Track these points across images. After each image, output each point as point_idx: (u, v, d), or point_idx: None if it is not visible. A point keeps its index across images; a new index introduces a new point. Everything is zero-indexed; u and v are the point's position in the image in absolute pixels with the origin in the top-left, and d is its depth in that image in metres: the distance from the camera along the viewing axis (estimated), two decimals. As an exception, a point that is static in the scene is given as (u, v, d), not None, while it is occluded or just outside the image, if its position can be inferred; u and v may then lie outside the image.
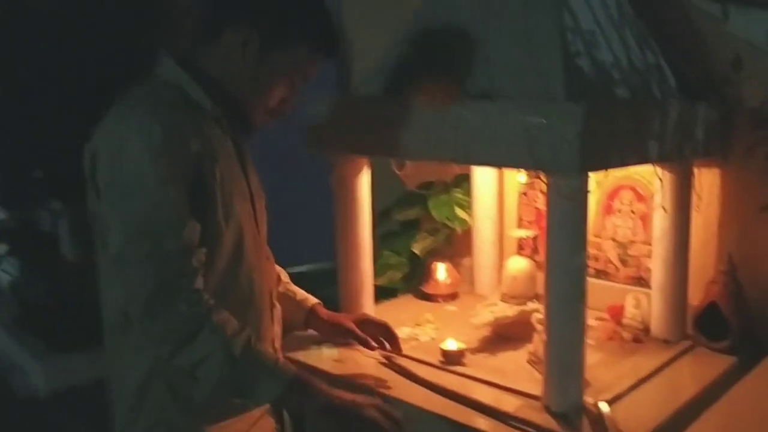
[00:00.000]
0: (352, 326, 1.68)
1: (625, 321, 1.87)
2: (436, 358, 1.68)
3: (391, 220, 2.46)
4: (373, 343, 1.69)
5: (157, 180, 1.17)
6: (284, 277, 1.68)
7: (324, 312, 1.70)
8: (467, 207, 2.21)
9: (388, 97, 1.61)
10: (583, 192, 1.36)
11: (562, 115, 1.30)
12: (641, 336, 1.80)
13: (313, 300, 1.70)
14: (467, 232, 2.20)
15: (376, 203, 2.74)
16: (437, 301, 2.14)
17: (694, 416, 1.40)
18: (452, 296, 2.16)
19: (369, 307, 1.82)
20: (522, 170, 1.76)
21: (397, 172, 1.91)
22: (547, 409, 1.43)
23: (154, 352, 1.25)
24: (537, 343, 1.64)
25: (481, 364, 1.67)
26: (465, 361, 1.67)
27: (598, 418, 1.40)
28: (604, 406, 1.43)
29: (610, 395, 1.49)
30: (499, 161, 1.38)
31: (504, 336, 1.81)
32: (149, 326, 1.21)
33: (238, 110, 1.35)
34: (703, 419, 1.40)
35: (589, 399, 1.46)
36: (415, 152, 1.57)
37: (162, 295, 1.19)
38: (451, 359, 1.66)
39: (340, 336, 1.71)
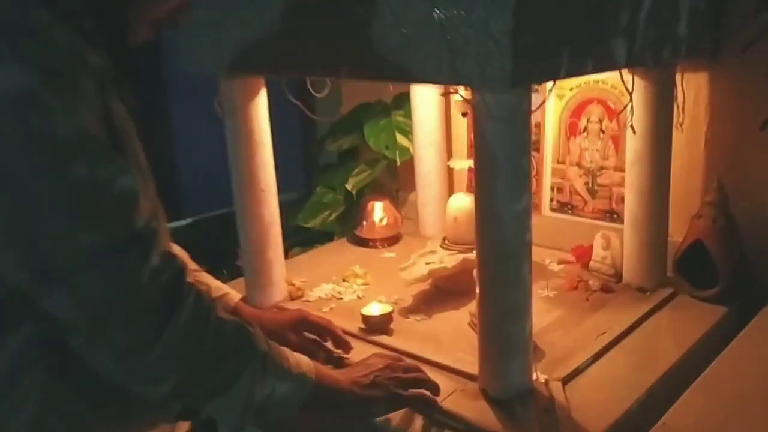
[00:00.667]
0: (288, 333, 1.27)
1: (592, 265, 1.54)
2: (355, 325, 1.35)
3: (326, 151, 2.11)
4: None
5: None
6: (190, 263, 1.28)
7: (249, 311, 1.31)
8: (409, 133, 1.85)
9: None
10: (522, 112, 1.01)
11: (488, 3, 0.92)
12: (611, 284, 1.48)
13: (234, 296, 1.31)
14: (410, 166, 1.84)
15: (317, 128, 2.41)
16: (374, 247, 1.80)
17: (678, 391, 1.09)
18: (392, 240, 1.82)
19: (277, 264, 1.48)
20: (443, 85, 1.38)
21: (316, 95, 1.54)
22: (484, 395, 1.12)
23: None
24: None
25: (411, 332, 1.34)
26: (392, 327, 1.35)
27: (549, 404, 1.09)
28: (556, 388, 1.12)
29: (567, 370, 1.17)
30: (406, 74, 1.02)
31: (445, 290, 1.48)
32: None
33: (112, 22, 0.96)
34: (689, 395, 1.08)
35: (540, 377, 1.14)
36: (314, 67, 1.20)
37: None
38: (373, 327, 1.34)
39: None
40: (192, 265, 1.27)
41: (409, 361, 1.16)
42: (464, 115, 1.52)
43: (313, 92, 1.49)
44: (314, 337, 1.27)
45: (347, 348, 1.25)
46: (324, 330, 1.26)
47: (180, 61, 1.35)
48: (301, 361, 1.00)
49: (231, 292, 1.30)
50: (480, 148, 1.02)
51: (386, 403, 1.05)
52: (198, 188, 3.65)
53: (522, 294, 1.07)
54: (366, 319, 1.34)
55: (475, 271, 1.29)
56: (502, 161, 1.01)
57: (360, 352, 1.27)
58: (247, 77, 1.36)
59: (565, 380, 1.15)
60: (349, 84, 2.14)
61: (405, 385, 1.06)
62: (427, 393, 1.08)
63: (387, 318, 1.34)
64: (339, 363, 1.22)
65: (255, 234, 1.43)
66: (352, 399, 1.02)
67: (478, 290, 1.09)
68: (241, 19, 1.23)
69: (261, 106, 1.38)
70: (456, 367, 1.19)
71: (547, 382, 1.13)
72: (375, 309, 1.35)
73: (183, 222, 4.17)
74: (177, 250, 1.21)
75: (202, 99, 1.45)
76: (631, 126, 1.33)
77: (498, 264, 1.05)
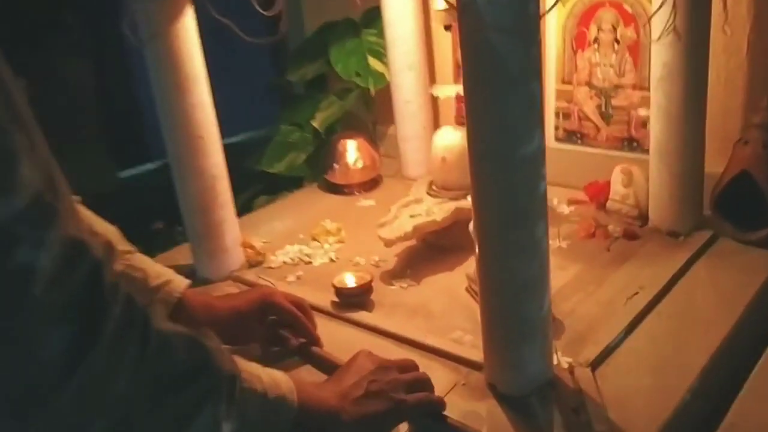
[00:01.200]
0: (250, 323, 1.00)
1: (611, 205, 1.28)
2: (326, 298, 1.10)
3: (289, 83, 1.81)
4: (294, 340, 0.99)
5: None
6: (122, 244, 0.96)
7: (198, 302, 0.99)
8: (384, 56, 1.55)
9: None
10: (529, 17, 0.72)
11: None
12: (636, 229, 1.22)
13: (178, 283, 0.98)
14: (387, 93, 1.55)
15: (282, 55, 2.09)
16: (350, 194, 1.53)
17: (738, 371, 0.85)
18: (370, 185, 1.54)
19: (228, 225, 1.20)
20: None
21: (263, 13, 1.24)
22: (493, 390, 0.87)
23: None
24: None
25: (395, 304, 1.09)
26: (372, 299, 1.09)
27: (577, 400, 0.84)
28: (585, 377, 0.87)
29: (595, 350, 0.92)
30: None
31: (435, 246, 1.22)
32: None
33: None
34: (757, 378, 0.85)
35: (561, 361, 0.90)
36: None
37: None
38: (348, 301, 1.08)
39: (234, 336, 0.98)
40: (123, 245, 0.96)
41: (397, 355, 0.90)
42: (447, 28, 1.22)
43: (258, 9, 1.19)
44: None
45: (318, 341, 0.99)
46: (292, 319, 0.99)
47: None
48: (278, 380, 0.73)
49: (175, 278, 0.99)
50: (471, 71, 0.74)
51: (390, 416, 0.80)
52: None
53: (538, 263, 0.81)
54: (339, 291, 1.08)
55: (471, 226, 1.03)
56: (504, 87, 0.73)
57: (334, 331, 1.02)
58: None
59: (595, 364, 0.90)
60: (312, 1, 1.83)
61: (405, 387, 0.81)
62: (433, 396, 0.83)
63: (365, 289, 1.08)
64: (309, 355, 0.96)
65: (196, 191, 1.15)
66: (346, 421, 0.76)
67: (477, 260, 0.83)
68: None
69: (189, 27, 1.08)
70: (454, 352, 0.94)
71: (571, 369, 0.89)
72: (350, 279, 1.09)
73: (150, 166, 3.89)
74: (102, 228, 0.93)
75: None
76: (674, 26, 1.04)
77: (504, 226, 0.78)
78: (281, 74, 1.89)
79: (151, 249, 1.90)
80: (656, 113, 1.14)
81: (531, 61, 0.74)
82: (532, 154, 0.75)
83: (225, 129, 1.18)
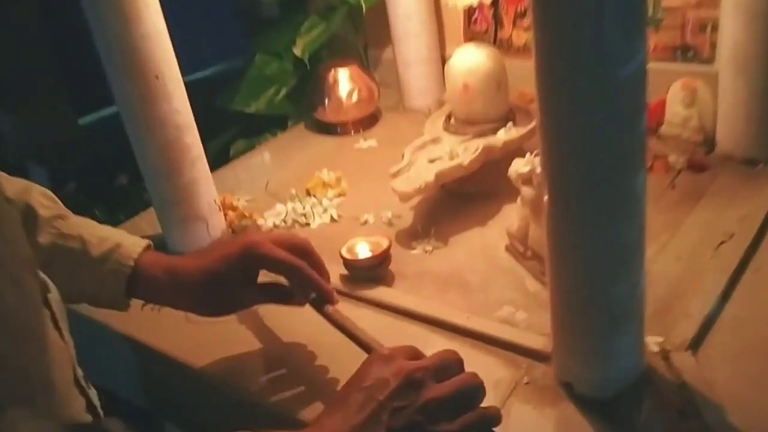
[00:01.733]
0: (232, 287, 0.74)
1: (667, 131, 1.06)
2: (334, 271, 0.87)
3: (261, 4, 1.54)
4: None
5: None
6: (50, 208, 0.74)
7: (161, 265, 0.75)
8: (373, -37, 1.29)
9: None
10: None
11: None
12: (703, 157, 1.00)
13: (131, 246, 0.75)
14: (382, 9, 1.28)
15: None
16: (345, 134, 1.29)
17: None
18: (368, 122, 1.30)
19: (202, 186, 0.96)
20: None
21: None
22: (567, 390, 0.66)
23: None
24: (523, 217, 0.83)
25: (420, 274, 0.87)
26: (391, 269, 0.87)
27: (684, 400, 0.64)
28: (687, 364, 0.66)
29: (692, 325, 0.71)
30: None
31: (459, 193, 1.00)
32: None
33: None
34: None
35: (651, 344, 0.69)
36: None
37: None
38: (362, 275, 0.86)
39: (214, 305, 0.75)
40: (52, 210, 0.74)
41: (427, 343, 0.68)
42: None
43: None
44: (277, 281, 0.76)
45: (331, 298, 0.73)
46: (290, 272, 0.73)
47: None
48: None
49: (125, 241, 0.75)
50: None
51: None
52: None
53: (637, 227, 0.58)
54: (350, 264, 0.86)
55: (511, 169, 0.81)
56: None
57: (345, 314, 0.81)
58: None
59: (694, 345, 0.69)
60: None
61: (447, 407, 0.56)
62: (489, 413, 0.58)
63: (381, 259, 0.86)
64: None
65: (157, 147, 0.91)
66: None
67: (548, 224, 0.60)
68: None
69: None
70: (507, 338, 0.73)
71: (666, 354, 0.68)
72: (362, 248, 0.86)
73: (110, 109, 3.59)
74: (19, 191, 0.71)
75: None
76: None
77: (594, 178, 0.55)
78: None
79: (114, 210, 1.66)
80: (732, 11, 0.91)
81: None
82: (633, 77, 0.52)
83: (186, 64, 0.93)
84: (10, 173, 0.72)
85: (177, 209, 0.94)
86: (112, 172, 1.89)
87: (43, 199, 0.74)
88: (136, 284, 0.74)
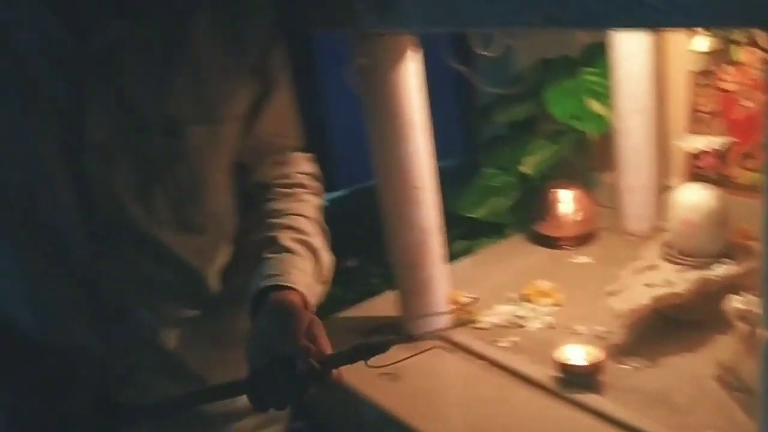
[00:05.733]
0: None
1: None
2: (546, 372, 0.98)
3: (494, 121, 1.71)
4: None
5: None
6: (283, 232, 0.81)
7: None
8: (606, 97, 1.41)
9: None
10: None
11: None
12: None
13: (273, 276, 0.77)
14: (608, 138, 1.41)
15: (477, 96, 1.99)
16: (562, 248, 1.40)
17: None
18: (585, 239, 1.40)
19: (438, 282, 1.12)
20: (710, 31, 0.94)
21: (485, 54, 1.17)
22: None
23: None
24: (736, 350, 0.89)
25: (629, 388, 0.95)
26: (602, 379, 0.96)
27: None
28: None
29: None
30: (658, 20, 0.61)
31: (673, 319, 1.06)
32: None
33: None
34: None
35: None
36: (493, 16, 0.80)
37: None
38: (575, 379, 0.95)
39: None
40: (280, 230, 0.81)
41: None
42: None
43: (479, 51, 1.11)
44: None
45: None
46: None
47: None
48: None
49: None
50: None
51: None
52: (353, 157, 3.36)
53: None
54: (564, 367, 0.96)
55: (726, 304, 0.88)
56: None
57: (555, 413, 0.90)
58: (394, 35, 0.99)
59: None
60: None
61: None
62: None
63: (596, 368, 0.95)
64: None
65: (408, 244, 1.08)
66: None
67: (761, 364, 0.67)
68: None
69: (412, 74, 1.02)
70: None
71: None
72: (578, 354, 0.96)
73: (337, 193, 3.93)
74: None
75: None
76: None
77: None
78: (467, 101, 1.81)
79: (347, 286, 1.87)
80: None
81: None
82: None
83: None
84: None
85: (416, 299, 1.10)
86: (338, 251, 2.11)
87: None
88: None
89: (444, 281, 1.13)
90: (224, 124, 0.78)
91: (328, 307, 1.61)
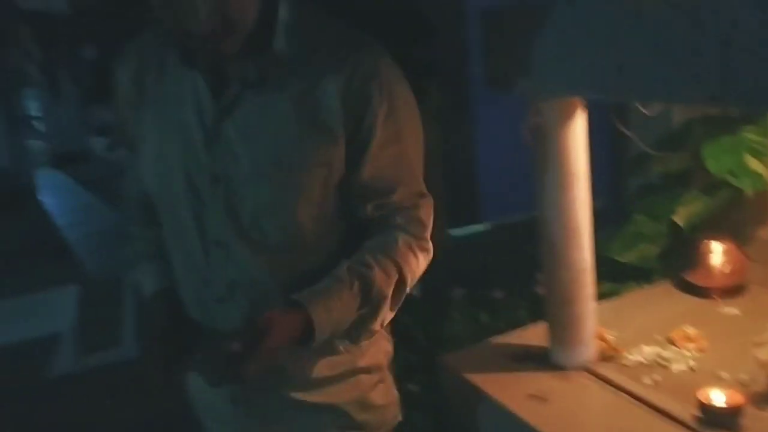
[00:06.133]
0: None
1: None
2: (688, 410, 1.05)
3: (648, 171, 1.79)
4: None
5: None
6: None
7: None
8: (765, 155, 1.46)
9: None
10: None
11: None
12: None
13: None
14: (763, 194, 1.46)
15: (632, 143, 2.06)
16: (709, 298, 1.45)
17: None
18: (734, 291, 1.45)
19: (587, 318, 1.22)
20: None
21: (645, 113, 1.27)
22: None
23: None
24: None
25: (768, 434, 1.01)
26: (742, 423, 1.03)
27: None
28: None
29: None
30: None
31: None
32: None
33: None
34: None
35: None
36: (657, 91, 0.92)
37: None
38: (715, 420, 1.03)
39: None
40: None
41: None
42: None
43: (643, 110, 1.21)
44: None
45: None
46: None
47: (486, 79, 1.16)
48: None
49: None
50: None
51: None
52: (499, 191, 3.46)
53: None
54: (706, 408, 1.03)
55: None
56: None
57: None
58: (567, 99, 1.12)
59: None
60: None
61: None
62: None
63: (736, 411, 1.02)
64: None
65: (563, 282, 1.20)
66: None
67: None
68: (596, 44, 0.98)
69: (579, 131, 1.14)
70: None
71: None
72: (719, 396, 1.04)
73: (481, 227, 4.02)
74: None
75: (504, 97, 1.23)
76: None
77: None
78: (620, 145, 1.88)
79: (495, 315, 1.99)
80: None
81: None
82: None
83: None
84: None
85: (566, 332, 1.22)
86: (483, 282, 2.22)
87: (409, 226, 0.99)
88: None
89: (592, 318, 1.23)
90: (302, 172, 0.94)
91: (479, 333, 1.77)
